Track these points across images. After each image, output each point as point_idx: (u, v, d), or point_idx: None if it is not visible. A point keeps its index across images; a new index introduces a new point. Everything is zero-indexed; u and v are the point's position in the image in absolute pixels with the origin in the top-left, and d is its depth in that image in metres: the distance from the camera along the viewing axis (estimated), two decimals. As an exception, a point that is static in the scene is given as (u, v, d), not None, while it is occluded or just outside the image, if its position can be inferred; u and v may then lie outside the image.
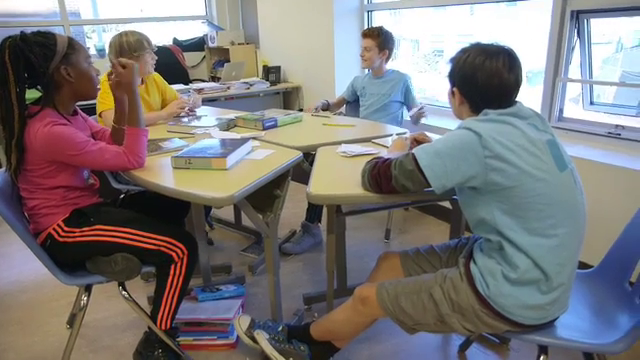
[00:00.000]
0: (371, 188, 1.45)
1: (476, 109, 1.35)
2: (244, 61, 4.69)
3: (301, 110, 4.42)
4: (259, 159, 1.79)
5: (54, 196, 1.65)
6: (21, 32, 1.54)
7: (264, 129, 2.26)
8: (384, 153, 1.76)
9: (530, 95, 2.81)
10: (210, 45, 5.16)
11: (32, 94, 1.58)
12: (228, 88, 4.14)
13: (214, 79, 5.09)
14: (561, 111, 2.70)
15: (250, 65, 4.94)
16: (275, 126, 2.32)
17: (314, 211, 2.81)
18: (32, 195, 1.64)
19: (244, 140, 1.90)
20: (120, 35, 2.49)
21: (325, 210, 2.31)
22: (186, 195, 1.53)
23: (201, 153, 1.73)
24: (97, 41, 5.42)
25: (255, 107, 4.10)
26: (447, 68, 1.41)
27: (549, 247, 1.25)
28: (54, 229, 1.64)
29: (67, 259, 1.67)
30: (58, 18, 4.76)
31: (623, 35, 2.80)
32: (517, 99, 1.37)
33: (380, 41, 2.83)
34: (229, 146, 1.80)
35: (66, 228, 1.65)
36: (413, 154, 1.33)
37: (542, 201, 1.23)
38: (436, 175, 1.29)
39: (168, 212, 1.95)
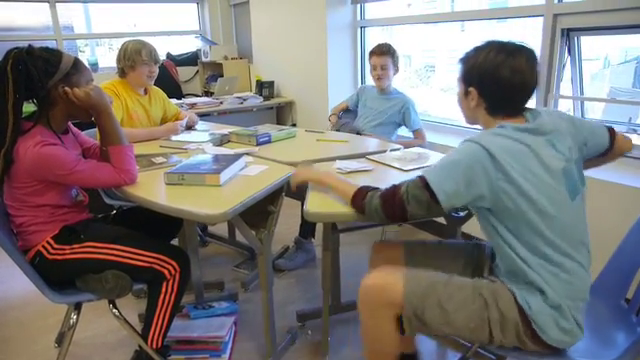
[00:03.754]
0: (381, 221, 1.34)
1: (494, 111, 1.29)
2: (237, 76, 4.71)
3: (294, 125, 4.42)
4: (253, 175, 1.78)
5: (41, 213, 1.62)
6: (29, 45, 1.55)
7: (258, 144, 2.25)
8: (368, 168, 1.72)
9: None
10: (203, 60, 5.17)
11: (27, 107, 1.57)
12: (221, 103, 4.14)
13: (207, 94, 5.10)
14: (553, 127, 2.72)
15: (243, 80, 4.95)
16: (269, 142, 2.31)
17: (307, 227, 2.79)
18: (19, 212, 1.61)
19: (238, 156, 1.89)
20: (127, 41, 2.49)
21: (319, 226, 2.30)
22: (179, 212, 1.51)
23: (194, 169, 1.71)
24: (90, 55, 5.42)
25: (248, 122, 4.10)
26: (459, 68, 1.34)
27: (561, 278, 1.23)
28: (43, 246, 1.62)
29: (56, 276, 1.64)
30: (51, 32, 4.76)
31: (610, 52, 2.85)
32: (540, 109, 1.32)
33: (394, 58, 2.84)
34: (223, 162, 1.79)
35: (56, 245, 1.62)
36: (424, 178, 1.25)
37: (551, 233, 1.22)
38: (448, 197, 1.22)
39: (161, 228, 1.93)
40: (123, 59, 2.45)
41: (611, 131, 1.44)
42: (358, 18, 3.87)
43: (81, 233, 1.65)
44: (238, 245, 3.02)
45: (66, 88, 1.58)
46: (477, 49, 1.30)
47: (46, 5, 4.67)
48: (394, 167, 1.87)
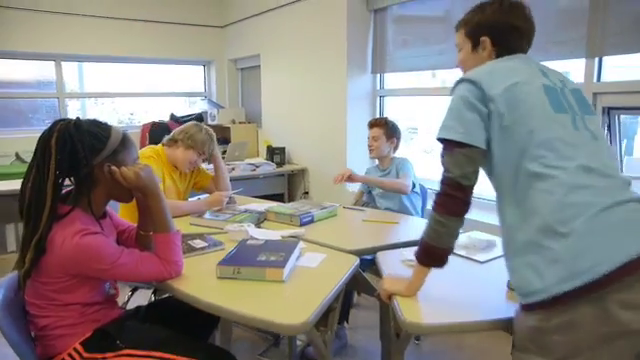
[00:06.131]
0: (451, 230, 1.21)
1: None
2: (247, 141, 4.56)
3: (307, 193, 4.25)
4: (313, 267, 1.56)
5: (70, 313, 1.37)
6: (77, 118, 1.37)
7: (301, 225, 2.04)
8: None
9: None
10: (210, 122, 5.04)
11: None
12: (233, 169, 3.95)
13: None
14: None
15: (251, 145, 4.81)
16: (312, 222, 2.11)
17: (341, 311, 2.54)
18: (43, 312, 1.35)
19: (294, 243, 1.68)
20: (200, 125, 2.45)
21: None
22: (251, 320, 1.25)
23: (250, 261, 1.49)
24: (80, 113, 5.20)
25: (259, 189, 3.92)
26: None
27: None
28: (70, 355, 1.35)
29: (83, 391, 1.36)
30: (47, 89, 4.69)
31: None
32: None
33: (387, 129, 2.80)
34: (280, 251, 1.57)
35: (86, 354, 1.35)
36: (443, 141, 1.20)
37: None
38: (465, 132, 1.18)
39: (197, 322, 1.68)
40: (184, 134, 2.35)
41: None
42: (377, 87, 3.82)
43: (117, 338, 1.39)
44: (261, 330, 2.74)
45: (112, 167, 1.38)
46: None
47: (41, 63, 4.66)
48: (467, 257, 1.68)
